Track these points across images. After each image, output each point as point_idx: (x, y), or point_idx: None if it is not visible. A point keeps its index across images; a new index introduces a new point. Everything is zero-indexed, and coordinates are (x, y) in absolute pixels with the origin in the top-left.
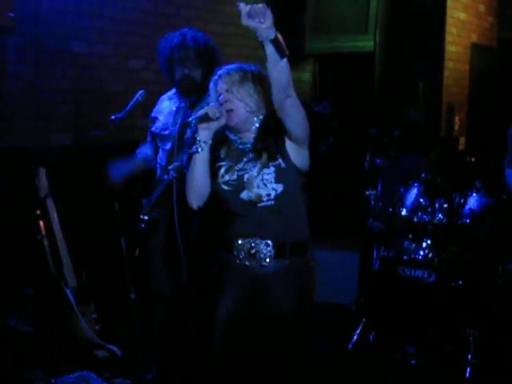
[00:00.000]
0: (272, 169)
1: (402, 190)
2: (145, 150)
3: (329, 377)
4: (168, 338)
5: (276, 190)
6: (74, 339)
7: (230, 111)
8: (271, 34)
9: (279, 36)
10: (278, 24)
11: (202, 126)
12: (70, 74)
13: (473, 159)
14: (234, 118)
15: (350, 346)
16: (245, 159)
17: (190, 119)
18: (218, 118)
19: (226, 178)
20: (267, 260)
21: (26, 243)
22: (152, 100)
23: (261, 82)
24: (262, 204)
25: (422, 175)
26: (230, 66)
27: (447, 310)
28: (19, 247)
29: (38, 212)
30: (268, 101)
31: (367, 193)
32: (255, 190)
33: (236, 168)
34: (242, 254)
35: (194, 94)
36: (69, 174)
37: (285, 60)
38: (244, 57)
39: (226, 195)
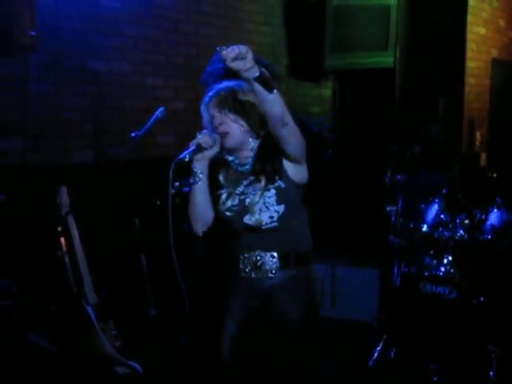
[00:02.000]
0: (273, 191)
1: (422, 205)
2: None
3: None
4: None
5: (278, 212)
6: (94, 356)
7: (225, 134)
8: (255, 72)
9: (264, 72)
10: (298, 40)
11: (196, 157)
12: (89, 92)
13: (494, 175)
14: (230, 141)
15: (370, 362)
16: (244, 182)
17: (183, 155)
18: (211, 147)
19: (228, 204)
20: (273, 271)
21: (47, 260)
22: (171, 117)
23: (253, 97)
24: (266, 226)
25: (443, 191)
26: (220, 86)
27: (469, 327)
28: (41, 264)
29: (60, 229)
30: (262, 116)
31: (388, 209)
32: (257, 215)
33: (237, 192)
34: (248, 266)
35: None
36: (89, 192)
37: (274, 93)
38: None
39: (230, 221)
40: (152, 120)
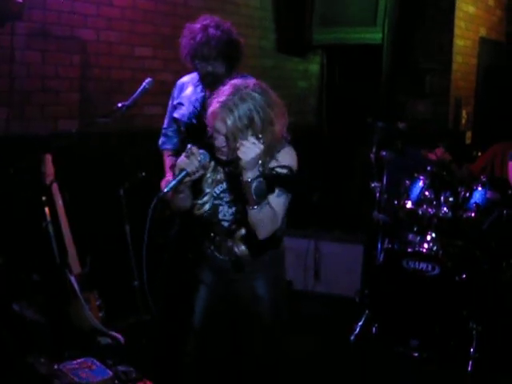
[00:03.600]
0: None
1: (407, 182)
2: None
3: (330, 369)
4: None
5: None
6: (77, 326)
7: (223, 148)
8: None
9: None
10: (286, 14)
11: (183, 182)
12: (77, 62)
13: (479, 153)
14: (228, 155)
15: (352, 337)
16: (222, 185)
17: (168, 188)
18: (198, 171)
19: (205, 207)
20: (240, 254)
21: (31, 229)
22: (159, 88)
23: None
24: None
25: (428, 168)
26: (220, 100)
27: (450, 304)
28: (24, 233)
29: (44, 198)
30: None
31: (372, 185)
32: (226, 223)
33: (213, 194)
34: (217, 248)
35: (217, 86)
36: (74, 161)
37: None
38: (249, 46)
39: (204, 216)
40: (139, 91)
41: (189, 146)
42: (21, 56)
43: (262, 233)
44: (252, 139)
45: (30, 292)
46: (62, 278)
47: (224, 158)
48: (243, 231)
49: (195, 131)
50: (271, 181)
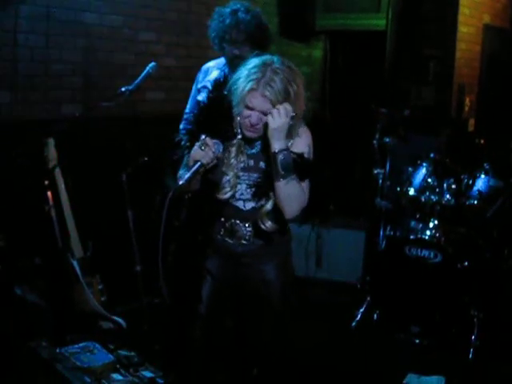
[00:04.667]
0: (262, 180)
1: (410, 169)
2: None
3: (331, 355)
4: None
5: (262, 203)
6: (79, 310)
7: (257, 126)
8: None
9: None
10: (290, 1)
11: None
12: (80, 45)
13: (482, 141)
14: (260, 131)
15: (353, 324)
16: (242, 165)
17: (184, 181)
18: (213, 161)
19: (228, 190)
20: (247, 238)
21: (33, 213)
22: (163, 73)
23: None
24: (247, 209)
25: (431, 155)
26: (253, 77)
27: (452, 291)
28: (27, 217)
29: (46, 182)
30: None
31: (375, 171)
32: (241, 202)
33: (232, 173)
34: (224, 231)
35: None
36: (77, 145)
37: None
38: None
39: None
40: (143, 75)
41: (202, 136)
42: (24, 40)
43: (289, 210)
44: (286, 104)
45: (33, 276)
46: (64, 262)
47: (255, 135)
48: (269, 206)
49: (210, 114)
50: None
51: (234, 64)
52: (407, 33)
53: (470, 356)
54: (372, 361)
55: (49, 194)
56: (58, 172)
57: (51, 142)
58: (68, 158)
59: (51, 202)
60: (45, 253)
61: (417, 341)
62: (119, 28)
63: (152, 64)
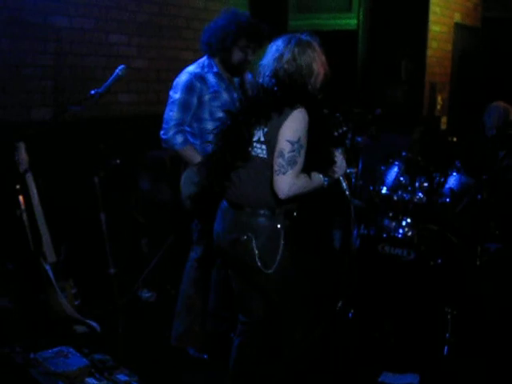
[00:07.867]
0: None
1: (382, 168)
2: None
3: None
4: None
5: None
6: (53, 314)
7: None
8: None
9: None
10: (262, 1)
11: None
12: (50, 49)
13: (454, 139)
14: None
15: (327, 322)
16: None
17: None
18: None
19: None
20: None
21: (5, 218)
22: (134, 75)
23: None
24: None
25: (403, 153)
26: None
27: (426, 288)
28: None
29: (18, 187)
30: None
31: (348, 171)
32: None
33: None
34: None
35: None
36: (48, 149)
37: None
38: None
39: None
40: (112, 77)
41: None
42: None
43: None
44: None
45: (5, 281)
46: (36, 267)
47: None
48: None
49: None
50: None
51: (241, 68)
52: (378, 32)
53: (445, 353)
54: (346, 359)
55: (20, 198)
56: (29, 176)
57: (22, 145)
58: (40, 161)
59: (23, 207)
60: (17, 257)
61: (391, 338)
62: (90, 31)
63: (121, 66)
